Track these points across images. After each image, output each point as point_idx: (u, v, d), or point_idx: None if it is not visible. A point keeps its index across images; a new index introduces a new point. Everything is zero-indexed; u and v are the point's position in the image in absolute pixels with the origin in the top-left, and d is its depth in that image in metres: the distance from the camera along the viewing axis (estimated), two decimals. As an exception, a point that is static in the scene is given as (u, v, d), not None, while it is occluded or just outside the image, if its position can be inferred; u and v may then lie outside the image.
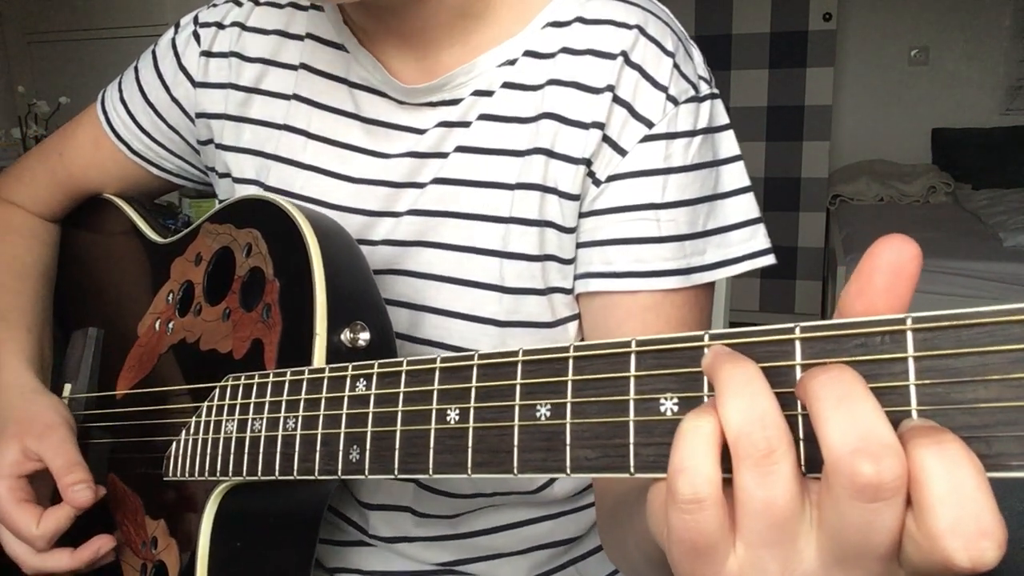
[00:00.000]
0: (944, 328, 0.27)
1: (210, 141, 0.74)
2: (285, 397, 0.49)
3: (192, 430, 0.56)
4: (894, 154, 3.85)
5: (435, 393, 0.40)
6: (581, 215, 0.61)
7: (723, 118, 0.62)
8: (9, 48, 2.65)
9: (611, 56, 0.59)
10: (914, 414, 0.28)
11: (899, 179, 3.61)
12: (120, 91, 0.77)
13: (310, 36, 0.70)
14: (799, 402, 0.29)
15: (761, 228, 0.62)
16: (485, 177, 0.62)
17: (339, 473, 0.45)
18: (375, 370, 0.44)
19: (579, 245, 0.62)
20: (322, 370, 0.47)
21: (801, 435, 0.30)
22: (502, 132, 0.62)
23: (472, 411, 0.39)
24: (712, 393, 0.31)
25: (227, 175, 0.73)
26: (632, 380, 0.33)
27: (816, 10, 3.59)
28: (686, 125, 0.59)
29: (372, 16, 0.63)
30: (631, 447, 0.33)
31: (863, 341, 0.29)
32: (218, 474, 0.53)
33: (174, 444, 0.58)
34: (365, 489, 0.69)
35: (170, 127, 0.76)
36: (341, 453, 0.44)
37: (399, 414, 0.42)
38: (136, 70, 0.77)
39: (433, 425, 0.40)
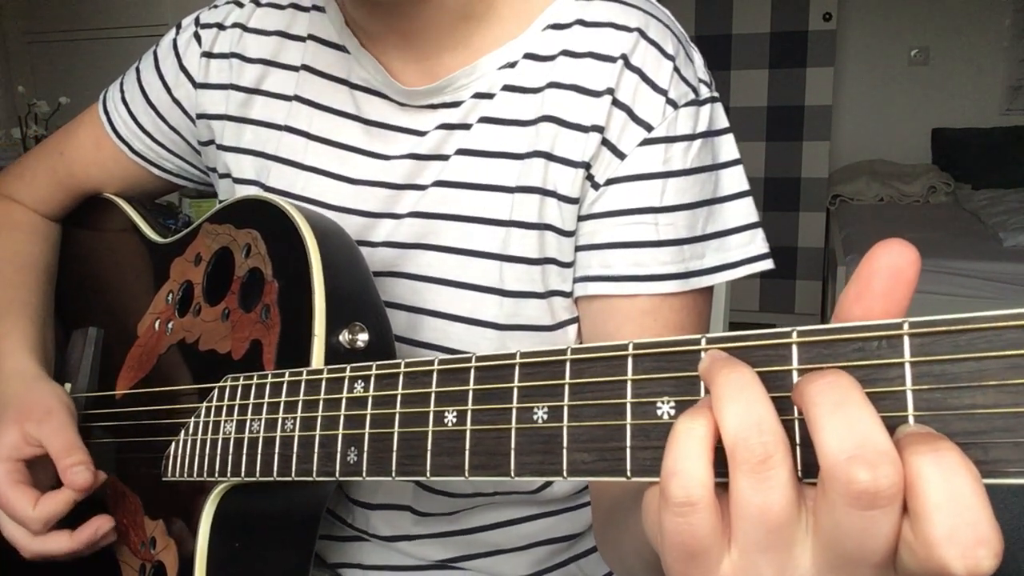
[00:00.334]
0: (941, 333, 0.27)
1: (211, 142, 0.74)
2: (283, 398, 0.49)
3: (191, 430, 0.56)
4: (894, 154, 3.85)
5: (433, 395, 0.40)
6: (580, 218, 0.61)
7: (723, 122, 0.62)
8: (9, 48, 2.66)
9: (611, 59, 0.59)
10: (911, 419, 0.28)
11: (899, 179, 3.61)
12: (122, 91, 0.77)
13: (312, 37, 0.70)
14: (795, 407, 0.30)
15: (760, 233, 0.62)
16: (485, 180, 0.62)
17: (337, 474, 0.45)
18: (373, 372, 0.44)
19: (578, 248, 0.62)
20: (320, 371, 0.47)
21: (798, 440, 0.30)
22: (502, 135, 0.62)
23: (469, 413, 0.39)
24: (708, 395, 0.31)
25: (227, 175, 0.73)
26: (629, 383, 0.33)
27: (816, 10, 3.59)
28: (686, 129, 0.59)
29: (374, 16, 0.63)
30: (628, 451, 0.33)
31: (860, 346, 0.29)
32: (217, 474, 0.53)
33: (173, 444, 0.58)
34: (365, 489, 0.70)
35: (171, 128, 0.76)
36: (339, 454, 0.45)
37: (397, 416, 0.42)
38: (138, 71, 0.77)
39: (431, 427, 0.40)
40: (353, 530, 0.72)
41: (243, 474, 0.51)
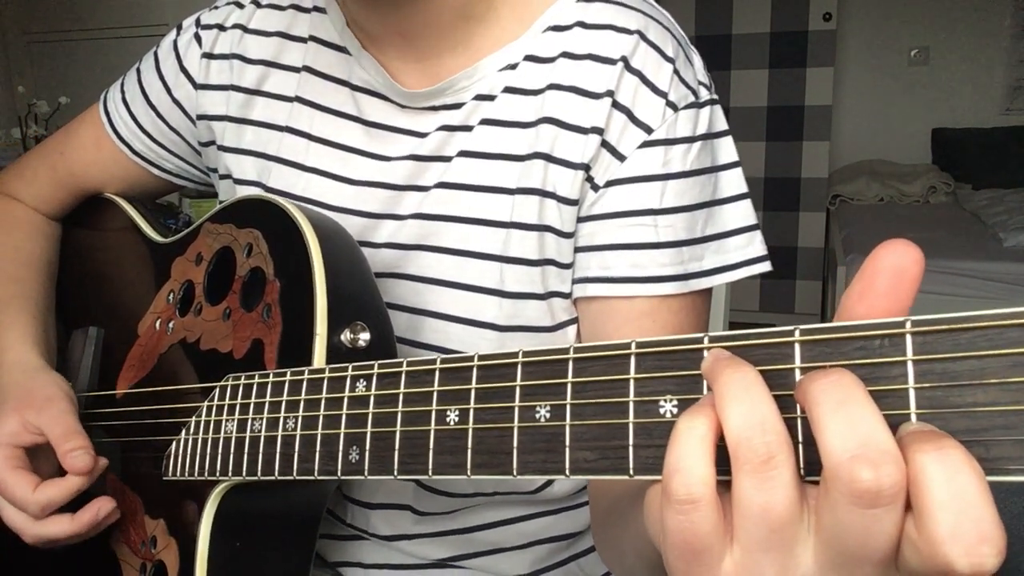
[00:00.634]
0: (942, 332, 0.27)
1: (211, 143, 0.74)
2: (285, 397, 0.49)
3: (192, 430, 0.56)
4: (894, 154, 3.85)
5: (435, 394, 0.40)
6: (579, 220, 0.61)
7: (722, 124, 0.62)
8: (9, 48, 2.66)
9: (611, 61, 0.59)
10: (913, 417, 0.28)
11: (899, 179, 3.61)
12: (122, 91, 0.77)
13: (313, 38, 0.70)
14: (798, 405, 0.30)
15: (758, 235, 0.62)
16: (486, 182, 0.62)
17: (339, 474, 0.45)
18: (375, 371, 0.44)
19: (577, 250, 0.62)
20: (322, 370, 0.47)
21: (800, 438, 0.30)
22: (503, 136, 0.62)
23: (472, 412, 0.39)
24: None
25: (228, 176, 0.73)
26: (632, 382, 0.34)
27: (816, 10, 3.58)
28: (685, 131, 0.59)
29: (375, 15, 0.63)
30: (631, 449, 0.33)
31: (862, 344, 0.29)
32: (218, 474, 0.53)
33: (174, 444, 0.58)
34: (365, 489, 0.70)
35: (171, 128, 0.76)
36: (341, 453, 0.45)
37: (399, 415, 0.42)
38: (138, 71, 0.77)
39: (433, 426, 0.40)
40: (352, 529, 0.72)
41: (244, 473, 0.51)
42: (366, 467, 0.43)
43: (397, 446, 0.42)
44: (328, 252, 0.54)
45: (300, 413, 0.48)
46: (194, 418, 0.56)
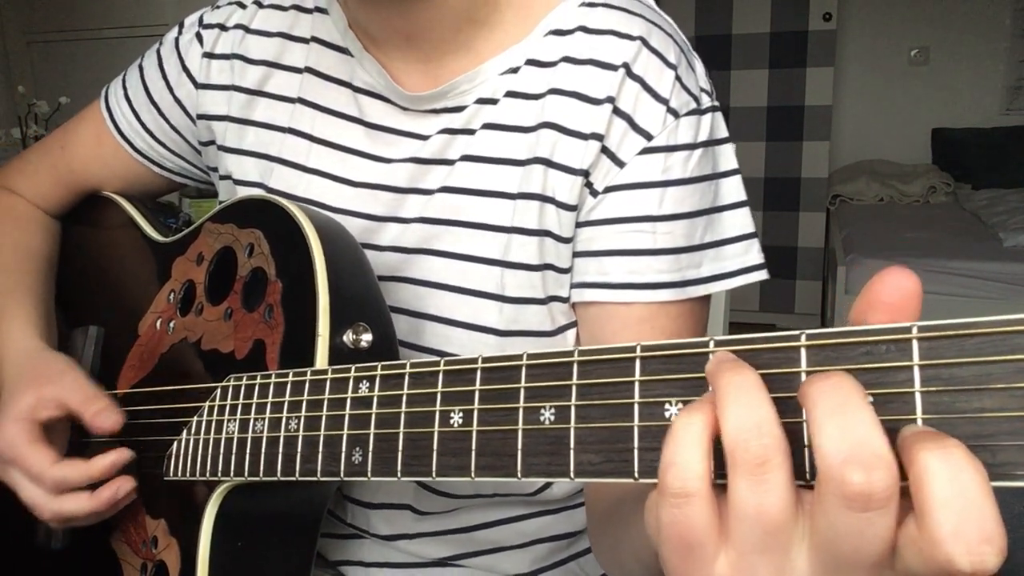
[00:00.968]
0: (948, 337, 0.27)
1: (211, 142, 0.74)
2: (288, 398, 0.49)
3: (193, 430, 0.56)
4: (894, 154, 3.85)
5: (438, 395, 0.40)
6: (578, 225, 0.61)
7: (723, 131, 0.62)
8: (9, 48, 2.66)
9: (613, 67, 0.59)
10: (919, 422, 0.28)
11: (899, 179, 3.61)
12: (124, 88, 0.77)
13: (315, 40, 0.70)
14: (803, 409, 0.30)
15: (756, 243, 0.63)
16: (488, 186, 0.62)
17: (342, 475, 0.45)
18: (378, 372, 0.44)
19: (575, 255, 0.62)
20: (325, 371, 0.47)
21: (806, 442, 0.30)
22: (505, 141, 0.62)
23: (476, 414, 0.39)
24: None
25: (228, 177, 0.73)
26: (637, 385, 0.34)
27: (816, 10, 3.58)
28: (687, 138, 0.59)
29: (377, 16, 0.63)
30: (635, 452, 0.33)
31: (868, 349, 0.29)
32: (219, 474, 0.53)
33: (175, 444, 0.58)
34: (365, 489, 0.70)
35: (172, 127, 0.76)
36: (344, 454, 0.44)
37: (402, 416, 0.42)
38: (140, 68, 0.77)
39: (436, 428, 0.40)
40: (352, 528, 0.72)
41: (246, 474, 0.51)
42: (369, 468, 0.43)
43: (400, 447, 0.41)
44: (330, 253, 0.54)
45: (303, 414, 0.48)
46: (195, 418, 0.56)
